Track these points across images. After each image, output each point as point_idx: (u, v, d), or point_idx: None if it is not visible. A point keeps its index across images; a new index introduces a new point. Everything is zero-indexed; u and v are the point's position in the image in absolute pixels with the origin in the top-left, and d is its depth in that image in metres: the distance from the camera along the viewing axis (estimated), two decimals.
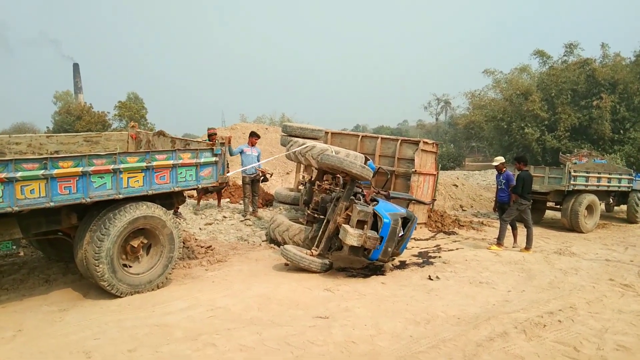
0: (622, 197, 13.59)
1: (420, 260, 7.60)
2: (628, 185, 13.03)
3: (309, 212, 7.31)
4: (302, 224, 7.73)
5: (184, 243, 7.12)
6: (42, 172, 4.42)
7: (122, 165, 4.98)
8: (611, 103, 24.15)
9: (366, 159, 8.38)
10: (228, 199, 11.80)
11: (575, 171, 11.55)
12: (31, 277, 5.73)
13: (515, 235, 9.14)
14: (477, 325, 4.80)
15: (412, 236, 8.53)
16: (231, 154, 9.69)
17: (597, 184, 12.07)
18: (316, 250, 6.66)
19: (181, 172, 5.55)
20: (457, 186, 16.29)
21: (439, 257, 7.87)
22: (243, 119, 40.32)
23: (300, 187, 8.65)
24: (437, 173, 11.18)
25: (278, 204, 10.02)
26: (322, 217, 7.03)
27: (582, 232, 11.37)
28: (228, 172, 6.80)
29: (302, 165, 10.07)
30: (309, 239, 7.17)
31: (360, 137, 10.69)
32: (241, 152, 9.72)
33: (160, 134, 6.98)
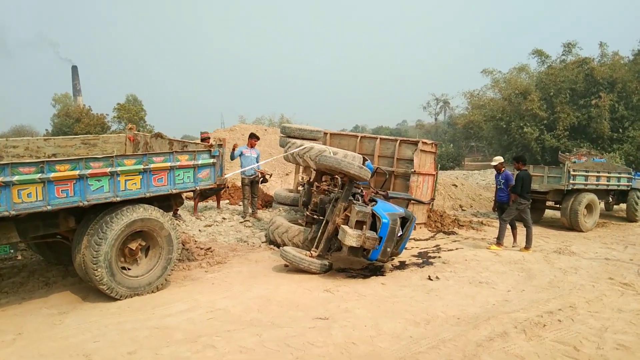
0: (621, 195, 13.60)
1: (420, 261, 7.60)
2: (627, 184, 13.04)
3: (307, 213, 7.32)
4: (302, 225, 7.72)
5: (183, 245, 7.12)
6: (39, 175, 4.41)
7: (119, 168, 4.97)
8: (610, 102, 24.19)
9: (364, 160, 8.39)
10: (227, 201, 11.80)
11: (574, 170, 11.56)
12: (31, 280, 5.72)
13: (514, 235, 9.14)
14: (477, 325, 4.79)
15: (412, 236, 8.55)
16: (232, 158, 9.71)
17: (597, 182, 12.08)
18: (315, 252, 6.66)
19: (179, 174, 5.54)
20: (456, 186, 16.30)
21: (439, 257, 7.87)
22: (242, 120, 40.46)
23: (300, 188, 8.66)
24: (437, 173, 11.18)
25: (277, 205, 10.03)
26: (321, 218, 7.03)
27: (582, 231, 11.38)
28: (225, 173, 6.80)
29: (300, 167, 10.07)
30: (309, 240, 7.16)
31: (359, 137, 10.70)
32: (240, 154, 9.73)
33: (158, 136, 6.97)
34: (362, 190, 7.09)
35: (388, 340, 4.38)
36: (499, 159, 9.21)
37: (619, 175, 12.84)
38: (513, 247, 8.97)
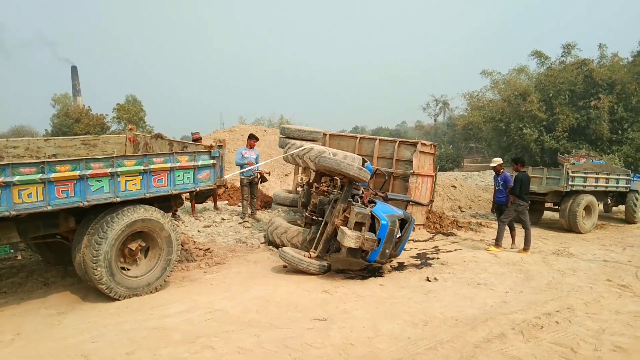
0: (620, 197, 13.60)
1: (419, 262, 7.61)
2: (626, 185, 13.04)
3: (307, 214, 7.33)
4: (301, 226, 7.74)
5: (182, 245, 7.13)
6: (39, 176, 4.43)
7: (119, 169, 4.98)
8: (609, 103, 24.21)
9: (364, 161, 8.40)
10: (227, 201, 11.81)
11: (573, 172, 11.57)
12: (30, 281, 5.73)
13: (513, 236, 9.16)
14: (474, 326, 4.81)
15: (411, 237, 8.56)
16: (237, 164, 9.72)
17: (595, 184, 12.09)
18: (314, 252, 6.67)
19: (179, 175, 5.55)
20: (455, 187, 16.32)
21: (437, 258, 7.88)
22: (242, 121, 40.39)
23: (299, 189, 8.67)
24: (435, 174, 11.21)
25: (276, 205, 10.03)
26: (320, 219, 7.05)
27: (581, 233, 11.39)
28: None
29: (300, 167, 10.08)
30: (307, 241, 7.18)
31: (358, 138, 10.71)
32: (240, 156, 9.75)
33: (158, 136, 6.99)
34: (361, 192, 7.11)
35: (386, 341, 4.39)
36: (497, 161, 9.22)
37: (617, 177, 12.85)
38: (511, 248, 8.98)
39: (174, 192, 5.55)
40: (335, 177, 7.15)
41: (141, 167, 5.17)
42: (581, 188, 11.64)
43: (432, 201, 10.93)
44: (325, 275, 6.53)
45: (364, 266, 7.07)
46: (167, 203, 5.85)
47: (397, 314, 5.10)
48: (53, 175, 4.52)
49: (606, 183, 12.44)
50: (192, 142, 7.37)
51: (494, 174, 9.41)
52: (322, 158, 6.89)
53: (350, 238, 6.14)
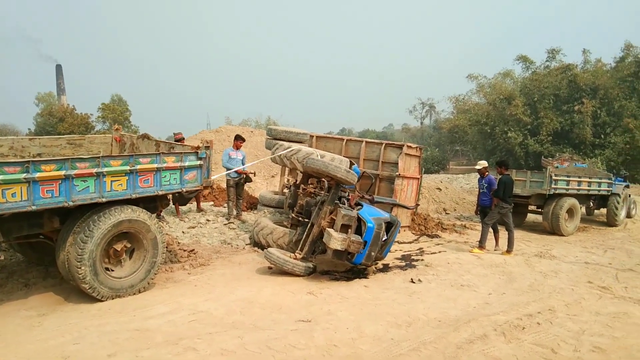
0: (602, 200, 13.80)
1: (403, 263, 7.65)
2: (607, 189, 13.25)
3: (293, 215, 7.33)
4: (287, 227, 7.73)
5: (166, 247, 7.07)
6: (24, 175, 4.37)
7: (105, 169, 4.95)
8: (592, 108, 24.63)
9: (351, 164, 8.42)
10: (212, 202, 11.74)
11: (556, 175, 11.73)
12: (10, 281, 5.64)
13: (497, 239, 9.25)
14: (457, 327, 4.85)
15: (396, 239, 8.59)
16: (224, 165, 9.66)
17: (578, 187, 12.27)
18: (300, 254, 6.67)
19: (165, 176, 5.53)
20: (440, 190, 16.43)
21: (422, 260, 7.93)
22: (228, 121, 40.20)
23: (285, 190, 8.66)
24: (421, 177, 11.26)
25: (262, 207, 10.01)
26: (306, 220, 7.05)
27: (563, 235, 11.56)
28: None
29: (286, 169, 10.07)
30: (293, 242, 7.18)
31: (344, 140, 10.74)
32: (228, 157, 9.71)
33: (145, 137, 6.94)
34: (348, 194, 7.13)
35: (369, 342, 4.41)
36: (483, 163, 9.31)
37: (599, 181, 13.05)
38: (495, 250, 9.07)
39: (160, 192, 5.52)
40: (323, 179, 7.17)
41: (127, 168, 5.13)
42: (564, 191, 11.81)
43: (417, 205, 11.00)
44: (310, 276, 6.54)
45: (349, 268, 7.08)
46: (153, 204, 5.82)
47: (381, 315, 5.13)
48: (38, 174, 4.46)
49: (588, 186, 12.63)
50: (178, 143, 7.33)
51: (478, 176, 9.50)
52: (310, 160, 6.91)
53: (336, 240, 6.16)
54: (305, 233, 6.87)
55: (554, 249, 9.60)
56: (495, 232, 9.27)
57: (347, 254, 6.42)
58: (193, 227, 9.03)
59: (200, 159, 5.81)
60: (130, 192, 5.21)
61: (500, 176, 8.95)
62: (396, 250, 8.54)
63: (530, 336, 4.74)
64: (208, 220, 9.60)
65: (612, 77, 25.98)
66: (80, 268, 4.87)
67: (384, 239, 6.61)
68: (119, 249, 5.31)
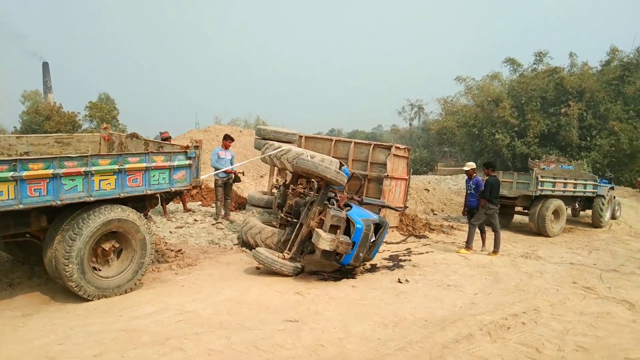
0: (587, 202, 14.00)
1: (391, 264, 7.69)
2: (593, 190, 13.44)
3: (282, 215, 7.34)
4: (275, 227, 7.73)
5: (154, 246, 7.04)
6: (11, 174, 4.34)
7: (93, 168, 4.92)
8: (578, 111, 24.93)
9: (341, 165, 8.45)
10: (200, 202, 11.69)
11: (542, 177, 11.87)
12: None
13: (483, 239, 9.34)
14: (443, 327, 4.89)
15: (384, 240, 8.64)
16: (212, 165, 9.61)
17: (564, 189, 12.44)
18: (288, 254, 6.68)
19: (154, 175, 5.51)
20: (428, 190, 16.53)
21: (409, 260, 7.98)
22: (217, 121, 40.02)
23: (274, 190, 8.65)
24: (409, 177, 11.33)
25: (251, 207, 9.99)
26: (295, 220, 7.06)
27: (549, 236, 11.71)
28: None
29: (275, 169, 10.07)
30: (282, 242, 7.18)
31: (333, 141, 10.77)
32: (217, 157, 9.67)
33: (134, 136, 6.91)
34: (337, 195, 7.15)
35: (356, 342, 4.43)
36: (471, 165, 9.39)
37: (585, 182, 13.25)
38: (482, 251, 9.16)
39: (149, 192, 5.50)
40: (312, 180, 7.18)
41: (116, 167, 5.12)
42: (550, 193, 11.96)
43: (406, 207, 11.06)
44: (298, 276, 6.55)
45: (337, 268, 7.10)
46: (142, 203, 5.80)
47: (368, 315, 5.16)
48: (25, 173, 4.43)
49: (574, 188, 12.81)
50: (166, 142, 7.30)
51: (466, 178, 9.59)
52: (300, 160, 6.92)
53: (325, 240, 6.17)
54: (294, 233, 6.88)
55: (540, 250, 9.71)
56: (482, 232, 9.35)
57: (335, 255, 6.44)
58: (181, 227, 8.98)
59: (189, 158, 5.79)
60: (118, 191, 5.19)
61: (487, 177, 9.03)
62: (384, 251, 8.58)
63: (515, 336, 4.79)
64: (196, 220, 9.56)
65: (598, 81, 26.31)
66: (67, 266, 4.83)
67: (372, 240, 6.64)
68: (107, 249, 5.29)
